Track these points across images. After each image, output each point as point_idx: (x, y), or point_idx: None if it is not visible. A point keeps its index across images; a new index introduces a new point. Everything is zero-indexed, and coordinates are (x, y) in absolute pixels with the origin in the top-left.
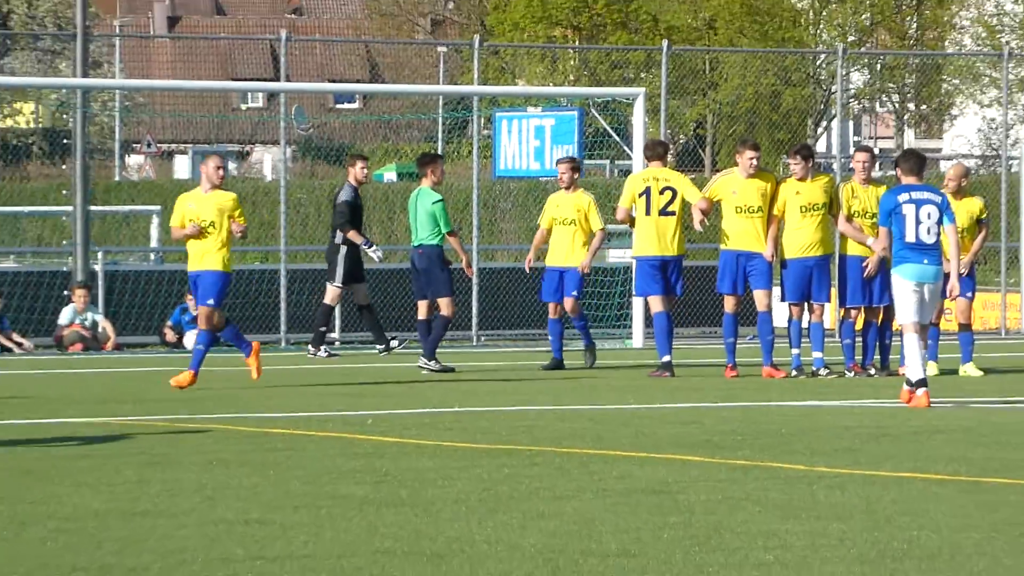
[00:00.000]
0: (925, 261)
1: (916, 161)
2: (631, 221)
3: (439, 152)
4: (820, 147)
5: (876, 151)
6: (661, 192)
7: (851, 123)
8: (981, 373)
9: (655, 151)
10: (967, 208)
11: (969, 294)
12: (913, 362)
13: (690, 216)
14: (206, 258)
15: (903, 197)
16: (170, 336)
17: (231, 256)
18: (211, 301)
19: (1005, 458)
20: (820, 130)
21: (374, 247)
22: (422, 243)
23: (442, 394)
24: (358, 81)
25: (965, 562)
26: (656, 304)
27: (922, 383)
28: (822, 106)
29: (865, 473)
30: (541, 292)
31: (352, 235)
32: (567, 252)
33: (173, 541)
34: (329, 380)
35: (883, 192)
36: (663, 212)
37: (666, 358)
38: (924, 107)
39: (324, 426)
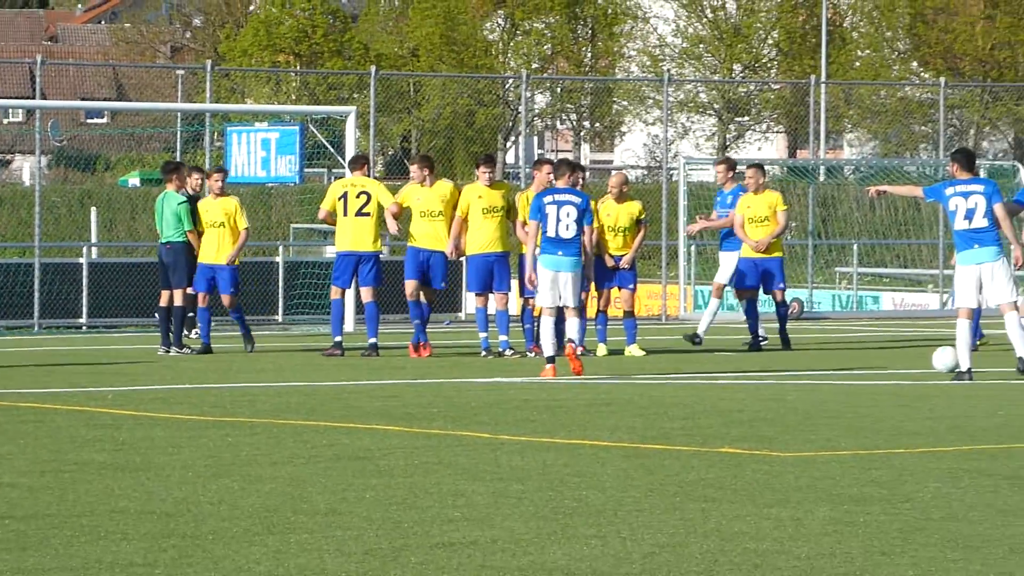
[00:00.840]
0: (560, 253)
1: (564, 167)
2: (333, 221)
3: (180, 161)
4: (509, 159)
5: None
6: (357, 196)
7: (535, 139)
8: (643, 353)
9: (356, 163)
10: (628, 210)
11: (631, 286)
12: (547, 341)
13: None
14: None
15: (548, 199)
16: None
17: None
18: None
19: (662, 427)
20: (509, 144)
21: None
22: (169, 239)
23: (175, 373)
24: (106, 99)
25: (627, 517)
26: (336, 293)
27: (551, 360)
28: (510, 123)
29: (542, 440)
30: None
31: None
32: (216, 250)
33: None
34: (76, 360)
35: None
36: (359, 213)
37: (338, 338)
38: (598, 125)
39: (69, 401)
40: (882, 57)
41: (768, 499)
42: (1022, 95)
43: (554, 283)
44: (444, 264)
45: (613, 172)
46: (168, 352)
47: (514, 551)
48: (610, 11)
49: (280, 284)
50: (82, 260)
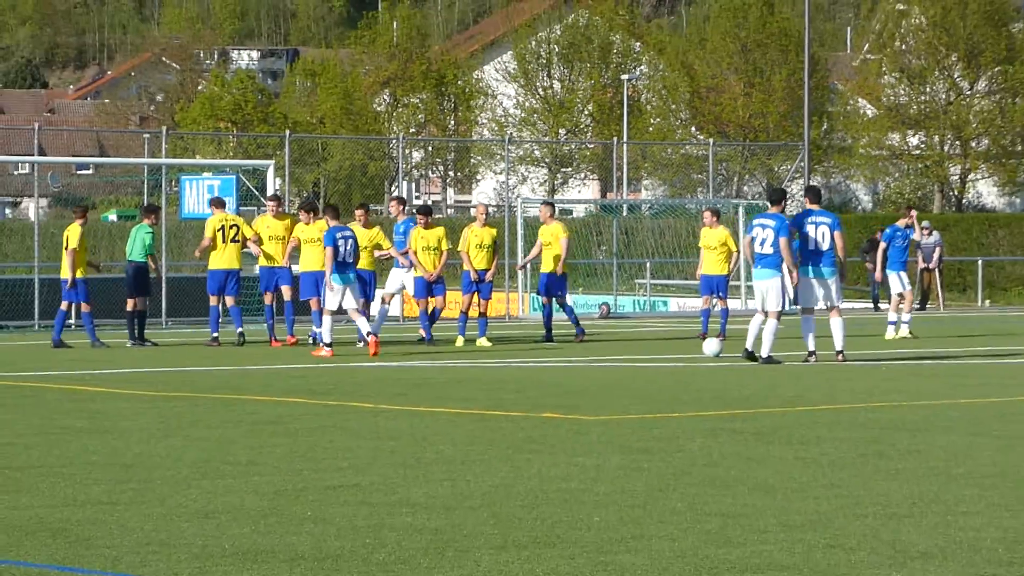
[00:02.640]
0: (348, 272)
1: (329, 211)
2: (213, 246)
3: (152, 204)
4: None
5: (430, 203)
6: (230, 227)
7: (412, 185)
8: (490, 344)
9: (219, 203)
10: (490, 232)
11: (489, 296)
12: (327, 331)
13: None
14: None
15: (339, 235)
16: None
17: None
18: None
19: (500, 398)
20: (393, 189)
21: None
22: (134, 260)
23: (137, 360)
24: (91, 155)
25: (471, 465)
26: (214, 300)
27: (329, 345)
28: (394, 173)
29: (411, 408)
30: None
31: None
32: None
33: None
34: (64, 350)
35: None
36: (232, 240)
37: (215, 333)
38: (459, 174)
39: (58, 380)
40: (669, 124)
41: (576, 451)
42: (772, 152)
43: (343, 292)
44: (290, 277)
45: (476, 204)
46: (133, 345)
47: (386, 491)
48: (467, 90)
49: None
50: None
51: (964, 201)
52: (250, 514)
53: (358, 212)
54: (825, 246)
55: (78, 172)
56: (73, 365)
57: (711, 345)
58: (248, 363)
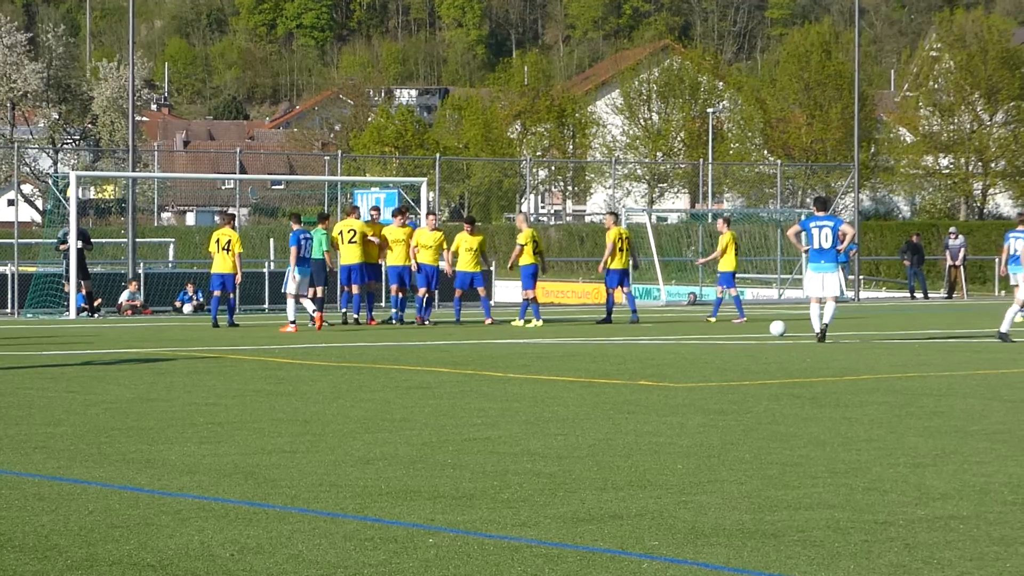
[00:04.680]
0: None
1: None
2: (338, 246)
3: (327, 212)
4: (524, 208)
5: (549, 212)
6: (348, 231)
7: (539, 197)
8: (538, 324)
9: (353, 210)
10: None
11: (529, 288)
12: (291, 310)
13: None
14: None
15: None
16: (179, 305)
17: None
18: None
19: (604, 369)
20: (523, 200)
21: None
22: (315, 257)
23: (316, 336)
24: (283, 174)
25: (580, 423)
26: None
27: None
28: (524, 188)
29: (533, 377)
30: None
31: None
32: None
33: (166, 414)
34: (258, 330)
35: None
36: (350, 242)
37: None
38: (576, 188)
39: (252, 353)
40: (745, 148)
41: (665, 411)
42: (829, 171)
43: (301, 280)
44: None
45: (519, 214)
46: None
47: (511, 443)
48: (583, 120)
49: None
50: (264, 270)
51: (985, 210)
52: (402, 461)
53: (430, 218)
54: (827, 245)
55: (272, 187)
56: (266, 340)
57: (777, 326)
58: (401, 340)
